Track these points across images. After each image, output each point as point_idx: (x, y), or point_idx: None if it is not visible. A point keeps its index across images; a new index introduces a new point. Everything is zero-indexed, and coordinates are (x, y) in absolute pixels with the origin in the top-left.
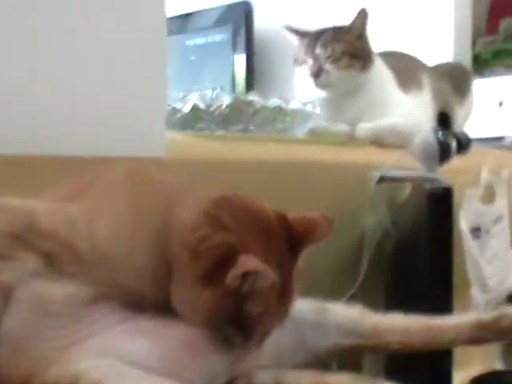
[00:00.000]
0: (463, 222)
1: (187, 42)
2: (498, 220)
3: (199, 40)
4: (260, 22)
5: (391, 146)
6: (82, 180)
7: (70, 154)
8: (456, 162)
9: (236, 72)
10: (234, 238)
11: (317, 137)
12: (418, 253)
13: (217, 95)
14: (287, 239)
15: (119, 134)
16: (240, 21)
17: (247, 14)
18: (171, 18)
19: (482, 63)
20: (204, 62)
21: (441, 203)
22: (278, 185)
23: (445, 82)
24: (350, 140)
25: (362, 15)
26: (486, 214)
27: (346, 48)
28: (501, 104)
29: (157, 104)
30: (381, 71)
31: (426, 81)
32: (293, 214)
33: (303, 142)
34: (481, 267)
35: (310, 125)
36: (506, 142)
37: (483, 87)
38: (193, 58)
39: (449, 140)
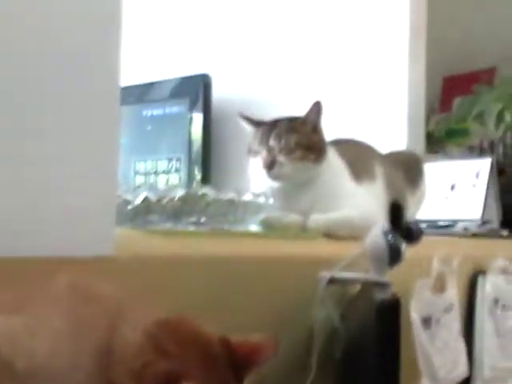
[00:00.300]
0: (414, 312)
1: (144, 112)
2: (448, 309)
3: (156, 111)
4: (218, 93)
5: (344, 238)
6: (22, 290)
7: (8, 254)
8: (407, 252)
9: (192, 143)
10: (177, 365)
11: (269, 228)
12: (365, 356)
13: (169, 187)
14: (231, 364)
15: (64, 232)
16: (198, 93)
17: (205, 86)
18: (128, 88)
19: (436, 141)
20: (161, 132)
21: (388, 316)
22: (228, 281)
23: (397, 171)
24: (303, 231)
25: (317, 107)
26: (436, 303)
27: (299, 140)
28: (453, 187)
29: (106, 199)
30: (334, 163)
31: (378, 171)
32: (236, 337)
33: (255, 235)
34: (431, 357)
35: (263, 216)
36: (457, 228)
37: (435, 170)
38: (149, 128)
39: (399, 243)
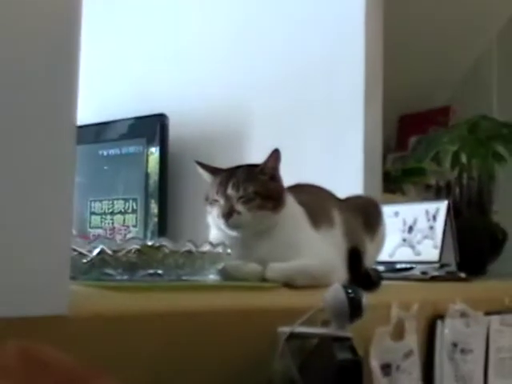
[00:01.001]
0: (373, 359)
1: (100, 152)
2: (408, 354)
3: (113, 150)
4: (175, 133)
5: (304, 287)
6: None
7: None
8: (366, 299)
9: (149, 183)
10: None
11: (228, 277)
12: None
13: (125, 240)
14: None
15: (13, 289)
16: (154, 132)
17: (162, 126)
18: (84, 127)
19: (392, 180)
20: (117, 172)
21: (350, 376)
22: (187, 336)
23: (356, 216)
24: (262, 280)
25: (275, 155)
26: (396, 350)
27: (258, 188)
28: (410, 230)
29: (59, 254)
30: (293, 210)
31: (337, 217)
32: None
33: (213, 286)
34: None
35: (221, 265)
36: (416, 271)
37: (393, 212)
38: (106, 167)
39: (360, 297)
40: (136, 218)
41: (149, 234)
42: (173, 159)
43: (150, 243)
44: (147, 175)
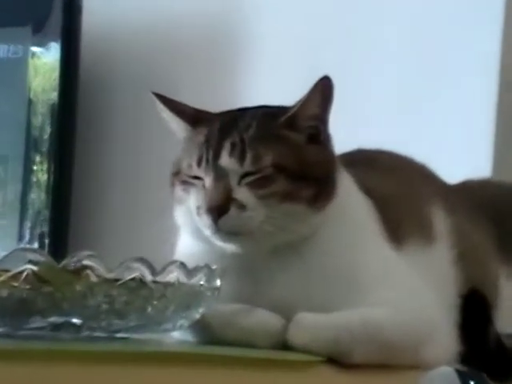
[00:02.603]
0: None
1: None
2: None
3: None
4: (98, 28)
5: (367, 366)
6: None
7: None
8: None
9: (34, 125)
10: None
11: (210, 337)
12: None
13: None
14: None
15: None
16: (49, 19)
17: (67, 9)
18: None
19: None
20: None
21: None
22: None
23: (482, 224)
24: (281, 347)
25: (322, 91)
26: None
27: (282, 158)
28: None
29: None
30: (351, 207)
31: (442, 223)
32: None
33: (183, 357)
34: None
35: (200, 311)
36: None
37: None
38: None
39: None
40: (1, 198)
41: (29, 236)
42: (88, 78)
43: (57, 262)
44: (30, 105)
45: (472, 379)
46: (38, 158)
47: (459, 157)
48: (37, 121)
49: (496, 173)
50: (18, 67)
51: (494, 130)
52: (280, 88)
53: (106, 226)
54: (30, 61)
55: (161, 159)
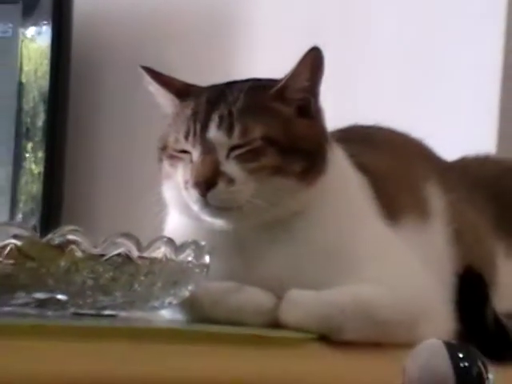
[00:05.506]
0: None
1: None
2: None
3: None
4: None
5: (358, 342)
6: None
7: None
8: (494, 375)
9: (24, 109)
10: None
11: (199, 315)
12: None
13: None
14: None
15: None
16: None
17: None
18: None
19: None
20: None
21: None
22: None
23: (479, 202)
24: (272, 325)
25: (312, 61)
26: None
27: (272, 131)
28: None
29: None
30: (344, 182)
31: (437, 199)
32: None
33: (169, 337)
34: None
35: (188, 289)
36: None
37: None
38: None
39: (480, 369)
40: None
41: (20, 216)
42: (80, 59)
43: (41, 236)
44: (21, 88)
45: (460, 351)
46: (30, 141)
47: (463, 132)
48: (28, 99)
49: (500, 149)
50: (9, 50)
51: (498, 104)
52: (279, 68)
53: (100, 209)
54: (20, 42)
55: (151, 141)
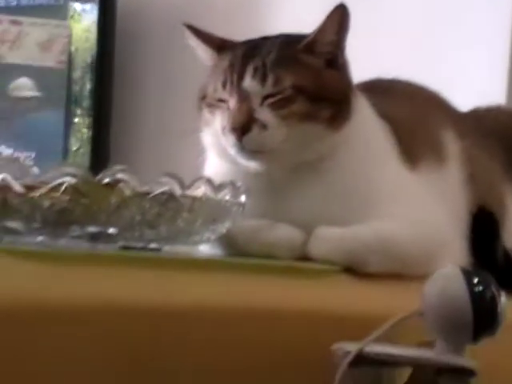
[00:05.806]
0: None
1: None
2: None
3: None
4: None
5: (382, 274)
6: None
7: None
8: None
9: (73, 76)
10: None
11: (239, 251)
12: None
13: (48, 169)
14: None
15: None
16: None
17: None
18: None
19: None
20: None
21: None
22: (150, 345)
23: (491, 148)
24: (302, 258)
25: (339, 17)
26: None
27: (301, 80)
28: None
29: None
30: (367, 128)
31: (453, 146)
32: None
33: (209, 267)
34: None
35: (226, 226)
36: None
37: None
38: None
39: (494, 294)
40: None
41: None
42: (124, 27)
43: (93, 177)
44: (71, 57)
45: (475, 276)
46: (78, 106)
47: (476, 83)
48: (77, 71)
49: (511, 100)
50: (59, 19)
51: (509, 59)
52: (306, 25)
53: (144, 151)
54: (70, 14)
55: (189, 93)
